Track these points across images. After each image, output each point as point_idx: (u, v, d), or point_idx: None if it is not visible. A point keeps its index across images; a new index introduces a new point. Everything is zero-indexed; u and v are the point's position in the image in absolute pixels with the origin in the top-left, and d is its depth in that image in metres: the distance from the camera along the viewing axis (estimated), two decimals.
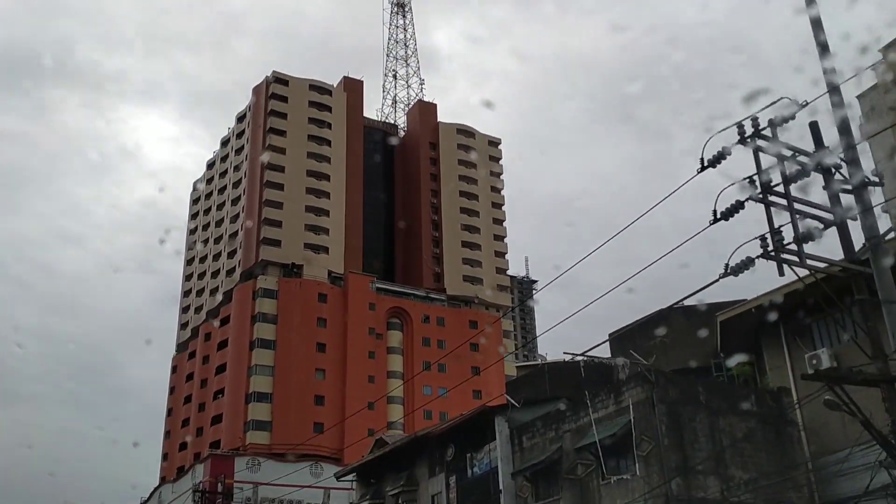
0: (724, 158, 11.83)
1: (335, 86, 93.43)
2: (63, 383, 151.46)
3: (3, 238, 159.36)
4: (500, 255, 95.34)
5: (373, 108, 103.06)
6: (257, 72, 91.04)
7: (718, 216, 11.51)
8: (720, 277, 11.28)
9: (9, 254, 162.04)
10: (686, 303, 23.34)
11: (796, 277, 11.11)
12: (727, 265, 11.12)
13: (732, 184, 11.80)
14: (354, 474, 34.96)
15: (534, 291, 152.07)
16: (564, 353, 18.99)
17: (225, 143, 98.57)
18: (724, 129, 12.01)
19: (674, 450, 19.76)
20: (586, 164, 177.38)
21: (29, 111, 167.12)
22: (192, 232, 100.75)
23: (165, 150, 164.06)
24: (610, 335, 27.84)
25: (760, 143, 11.47)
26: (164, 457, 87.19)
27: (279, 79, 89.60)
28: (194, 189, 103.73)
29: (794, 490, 19.75)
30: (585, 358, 20.86)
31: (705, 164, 11.80)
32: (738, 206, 11.65)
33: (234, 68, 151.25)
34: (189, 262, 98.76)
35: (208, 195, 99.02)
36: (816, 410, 15.81)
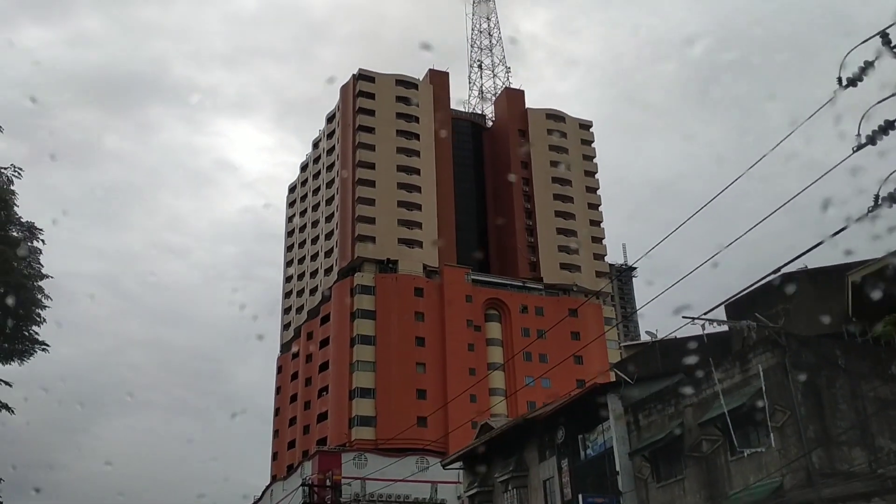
0: (866, 74, 10.15)
1: (421, 79, 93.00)
2: (175, 391, 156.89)
3: (113, 254, 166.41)
4: (598, 240, 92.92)
5: (459, 100, 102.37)
6: (344, 76, 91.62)
7: (863, 142, 9.83)
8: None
9: (118, 268, 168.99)
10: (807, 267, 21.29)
11: None
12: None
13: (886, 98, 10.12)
14: (461, 464, 34.05)
15: (633, 277, 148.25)
16: (683, 316, 17.35)
17: (316, 144, 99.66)
18: (865, 41, 10.37)
19: (812, 419, 17.92)
20: (680, 146, 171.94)
21: (131, 130, 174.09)
22: (289, 234, 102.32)
23: (261, 159, 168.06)
24: (725, 303, 25.83)
25: None
26: (274, 456, 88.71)
27: (365, 76, 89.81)
28: (289, 192, 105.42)
29: None
30: (705, 322, 19.19)
31: (844, 82, 10.13)
32: (889, 126, 9.96)
33: (322, 74, 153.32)
34: (288, 263, 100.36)
35: (303, 197, 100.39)
36: None
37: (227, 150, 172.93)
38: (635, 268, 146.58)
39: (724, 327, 24.89)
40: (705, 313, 18.47)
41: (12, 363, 18.42)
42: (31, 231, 15.69)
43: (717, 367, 20.07)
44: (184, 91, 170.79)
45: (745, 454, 18.63)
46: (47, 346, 17.76)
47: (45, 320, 18.31)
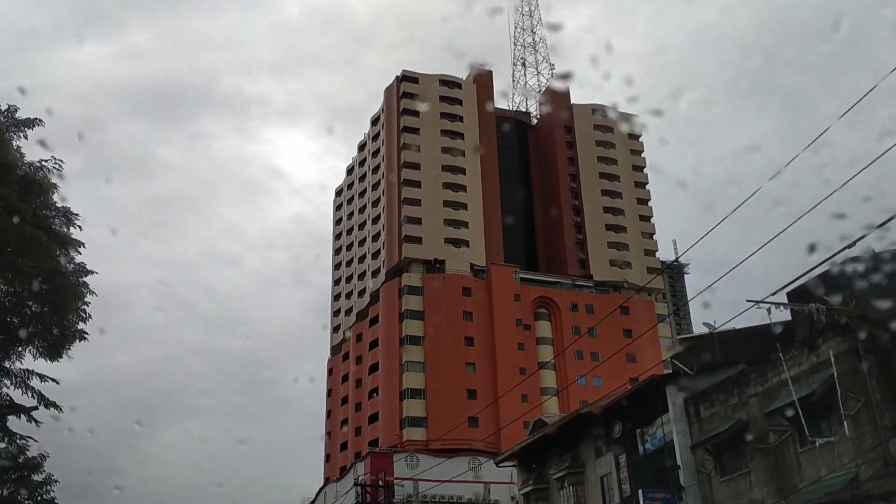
0: None
1: (464, 79, 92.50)
2: (230, 396, 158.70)
3: (169, 263, 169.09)
4: (648, 235, 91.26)
5: (504, 99, 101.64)
6: (388, 80, 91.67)
7: None
8: None
9: (175, 277, 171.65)
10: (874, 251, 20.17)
11: None
12: None
13: None
14: (514, 462, 33.36)
15: (685, 274, 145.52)
16: (748, 300, 16.49)
17: (361, 147, 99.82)
18: None
19: (888, 406, 16.86)
20: (730, 140, 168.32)
21: (184, 141, 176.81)
22: (337, 237, 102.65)
23: (309, 166, 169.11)
24: (786, 289, 24.70)
25: None
26: (327, 458, 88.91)
27: (408, 77, 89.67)
28: (336, 196, 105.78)
29: None
30: (770, 306, 18.23)
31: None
32: None
33: (367, 79, 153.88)
34: (336, 266, 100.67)
35: (350, 200, 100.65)
36: None
37: (277, 158, 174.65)
38: (686, 264, 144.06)
39: (788, 314, 23.83)
40: (771, 295, 17.54)
41: (59, 359, 18.31)
42: (67, 217, 15.52)
43: (784, 354, 19.07)
44: (234, 101, 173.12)
45: (818, 443, 17.62)
46: (87, 334, 17.61)
47: (90, 316, 18.17)
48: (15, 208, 12.30)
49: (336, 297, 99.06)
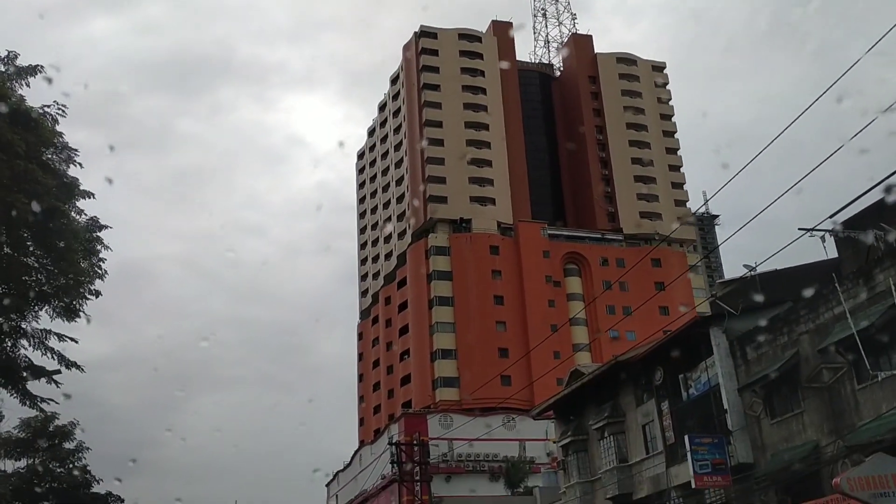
0: None
1: (484, 32, 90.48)
2: (261, 366, 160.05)
3: (193, 235, 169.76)
4: (678, 185, 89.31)
5: (525, 53, 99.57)
6: (406, 41, 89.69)
7: None
8: None
9: (199, 249, 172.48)
10: None
11: None
12: None
13: None
14: (551, 415, 32.58)
15: (716, 226, 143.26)
16: (800, 228, 15.30)
17: (382, 107, 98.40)
18: None
19: None
20: (757, 89, 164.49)
21: (204, 112, 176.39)
22: (361, 201, 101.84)
23: (331, 133, 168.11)
24: (837, 216, 23.35)
25: None
26: (361, 421, 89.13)
27: (427, 32, 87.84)
28: (358, 159, 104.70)
29: None
30: (825, 234, 17.04)
31: None
32: None
33: (385, 41, 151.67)
34: (362, 230, 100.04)
35: (372, 163, 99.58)
36: None
37: (298, 126, 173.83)
38: (717, 215, 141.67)
39: (833, 251, 22.54)
40: (823, 222, 16.37)
41: (76, 319, 17.63)
42: (68, 154, 14.65)
43: (839, 285, 17.89)
44: (252, 70, 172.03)
45: (880, 377, 16.49)
46: (94, 294, 16.89)
47: (106, 272, 17.44)
48: (4, 141, 11.45)
49: (363, 262, 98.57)
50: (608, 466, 26.63)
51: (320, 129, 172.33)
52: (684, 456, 22.58)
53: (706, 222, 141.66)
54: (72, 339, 17.30)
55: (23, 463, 29.63)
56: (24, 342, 17.11)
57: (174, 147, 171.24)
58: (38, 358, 17.60)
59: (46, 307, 17.21)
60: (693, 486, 20.73)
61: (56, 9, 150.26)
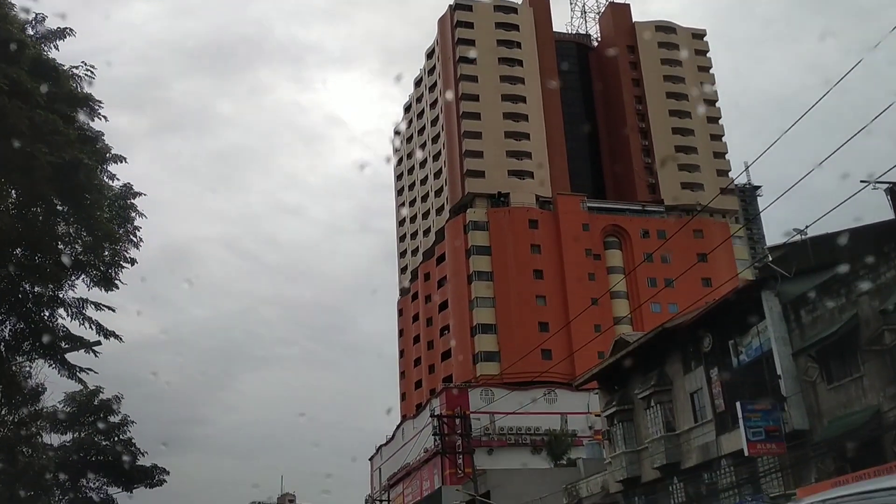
0: None
1: (520, 3, 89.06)
2: (305, 344, 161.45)
3: (234, 216, 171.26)
4: (720, 155, 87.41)
5: (562, 23, 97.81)
6: (442, 15, 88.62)
7: None
8: None
9: (240, 230, 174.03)
10: None
11: None
12: None
13: None
14: (595, 385, 31.99)
15: (758, 196, 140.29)
16: (862, 181, 14.45)
17: (418, 83, 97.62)
18: None
19: None
20: (798, 57, 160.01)
21: (243, 94, 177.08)
22: (398, 178, 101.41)
23: (368, 111, 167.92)
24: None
25: None
26: (402, 397, 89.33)
27: (462, 5, 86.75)
28: (395, 135, 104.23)
29: None
30: (890, 186, 16.15)
31: None
32: None
33: (422, 18, 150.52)
34: (400, 206, 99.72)
35: (409, 139, 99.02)
36: None
37: (335, 106, 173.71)
38: (759, 186, 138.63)
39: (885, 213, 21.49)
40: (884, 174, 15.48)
41: (114, 288, 17.45)
42: (90, 106, 14.30)
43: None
44: (288, 50, 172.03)
45: None
46: (129, 261, 16.71)
47: (141, 240, 17.20)
48: (24, 90, 11.11)
49: (402, 238, 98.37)
50: (655, 436, 26.01)
51: (357, 108, 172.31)
52: (735, 424, 21.89)
53: (748, 194, 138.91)
54: (108, 308, 17.15)
55: (68, 437, 29.93)
56: (61, 311, 16.97)
57: (214, 129, 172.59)
58: (75, 328, 17.48)
59: (83, 276, 17.05)
60: (746, 453, 20.05)
61: None
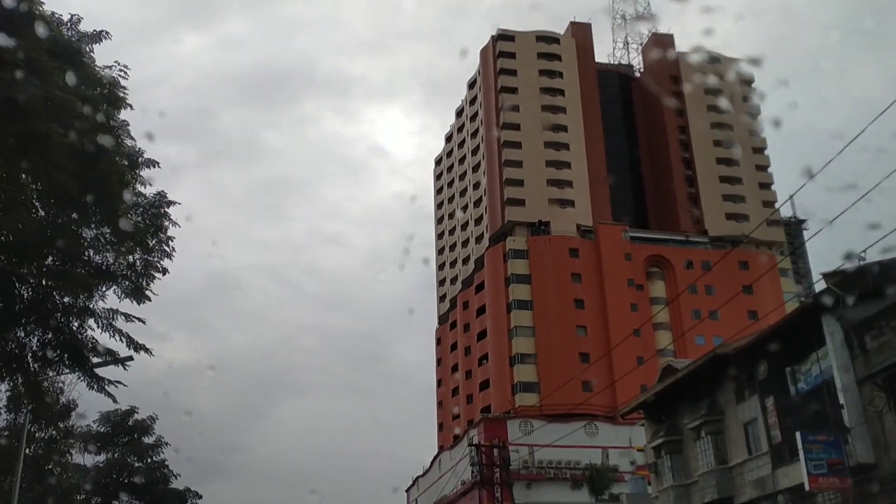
0: None
1: (562, 34, 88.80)
2: (343, 373, 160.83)
3: (276, 245, 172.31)
4: (766, 186, 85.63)
5: (604, 54, 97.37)
6: (484, 45, 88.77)
7: None
8: None
9: (282, 259, 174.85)
10: None
11: None
12: None
13: None
14: (642, 415, 30.72)
15: (804, 231, 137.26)
16: None
17: (459, 113, 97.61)
18: None
19: None
20: (845, 90, 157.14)
21: (288, 125, 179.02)
22: (439, 206, 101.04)
23: (410, 143, 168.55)
24: None
25: None
26: (440, 427, 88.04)
27: (504, 35, 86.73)
28: (436, 165, 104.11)
29: None
30: None
31: None
32: None
33: (465, 50, 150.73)
34: (440, 236, 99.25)
35: (450, 168, 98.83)
36: None
37: (379, 137, 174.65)
38: (804, 219, 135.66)
39: None
40: None
41: (147, 300, 16.94)
42: (112, 87, 13.75)
43: None
44: (334, 82, 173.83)
45: None
46: (162, 271, 16.22)
47: (174, 250, 16.70)
48: (41, 67, 10.62)
49: (441, 267, 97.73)
50: (705, 469, 24.69)
51: (400, 140, 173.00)
52: (793, 456, 20.62)
53: (794, 227, 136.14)
54: (139, 320, 16.61)
55: (102, 457, 29.49)
56: (91, 322, 16.46)
57: (260, 159, 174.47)
58: (105, 341, 16.94)
59: (114, 286, 16.57)
60: (807, 488, 18.74)
61: (148, 27, 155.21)
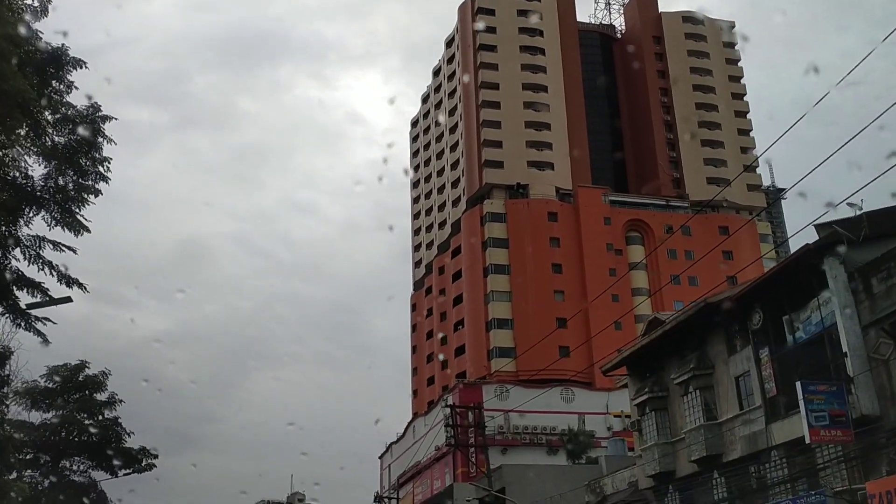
0: None
1: None
2: (317, 343, 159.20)
3: (249, 214, 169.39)
4: (747, 150, 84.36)
5: (586, 15, 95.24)
6: (462, 2, 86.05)
7: None
8: None
9: (254, 228, 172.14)
10: None
11: None
12: None
13: None
14: (625, 371, 29.31)
15: (782, 199, 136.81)
16: None
17: (436, 72, 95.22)
18: None
19: None
20: (823, 59, 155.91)
21: (263, 91, 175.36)
22: (415, 170, 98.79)
23: (389, 109, 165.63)
24: None
25: None
26: (414, 393, 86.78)
27: None
28: (412, 127, 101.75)
29: None
30: None
31: None
32: None
33: (444, 13, 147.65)
34: (415, 200, 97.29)
35: (426, 130, 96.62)
36: None
37: (356, 103, 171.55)
38: (784, 188, 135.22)
39: None
40: None
41: (83, 232, 15.01)
42: None
43: None
44: (311, 47, 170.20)
45: None
46: (94, 192, 14.36)
47: (109, 169, 14.75)
48: None
49: (416, 231, 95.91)
50: (693, 425, 23.32)
51: (378, 106, 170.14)
52: (789, 410, 19.24)
53: (772, 195, 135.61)
54: (70, 249, 14.69)
55: (50, 414, 27.56)
56: (17, 253, 14.53)
57: (234, 125, 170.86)
58: (33, 273, 15.02)
59: (43, 212, 14.64)
60: (808, 440, 17.31)
61: None
